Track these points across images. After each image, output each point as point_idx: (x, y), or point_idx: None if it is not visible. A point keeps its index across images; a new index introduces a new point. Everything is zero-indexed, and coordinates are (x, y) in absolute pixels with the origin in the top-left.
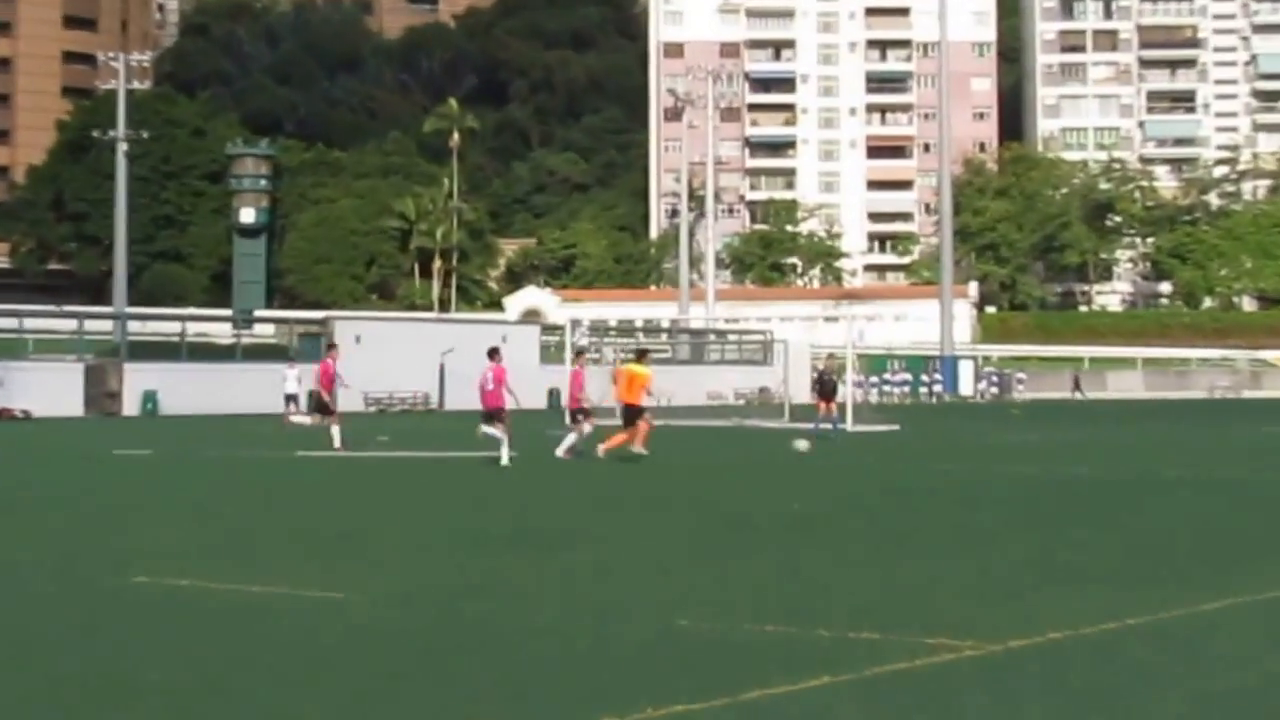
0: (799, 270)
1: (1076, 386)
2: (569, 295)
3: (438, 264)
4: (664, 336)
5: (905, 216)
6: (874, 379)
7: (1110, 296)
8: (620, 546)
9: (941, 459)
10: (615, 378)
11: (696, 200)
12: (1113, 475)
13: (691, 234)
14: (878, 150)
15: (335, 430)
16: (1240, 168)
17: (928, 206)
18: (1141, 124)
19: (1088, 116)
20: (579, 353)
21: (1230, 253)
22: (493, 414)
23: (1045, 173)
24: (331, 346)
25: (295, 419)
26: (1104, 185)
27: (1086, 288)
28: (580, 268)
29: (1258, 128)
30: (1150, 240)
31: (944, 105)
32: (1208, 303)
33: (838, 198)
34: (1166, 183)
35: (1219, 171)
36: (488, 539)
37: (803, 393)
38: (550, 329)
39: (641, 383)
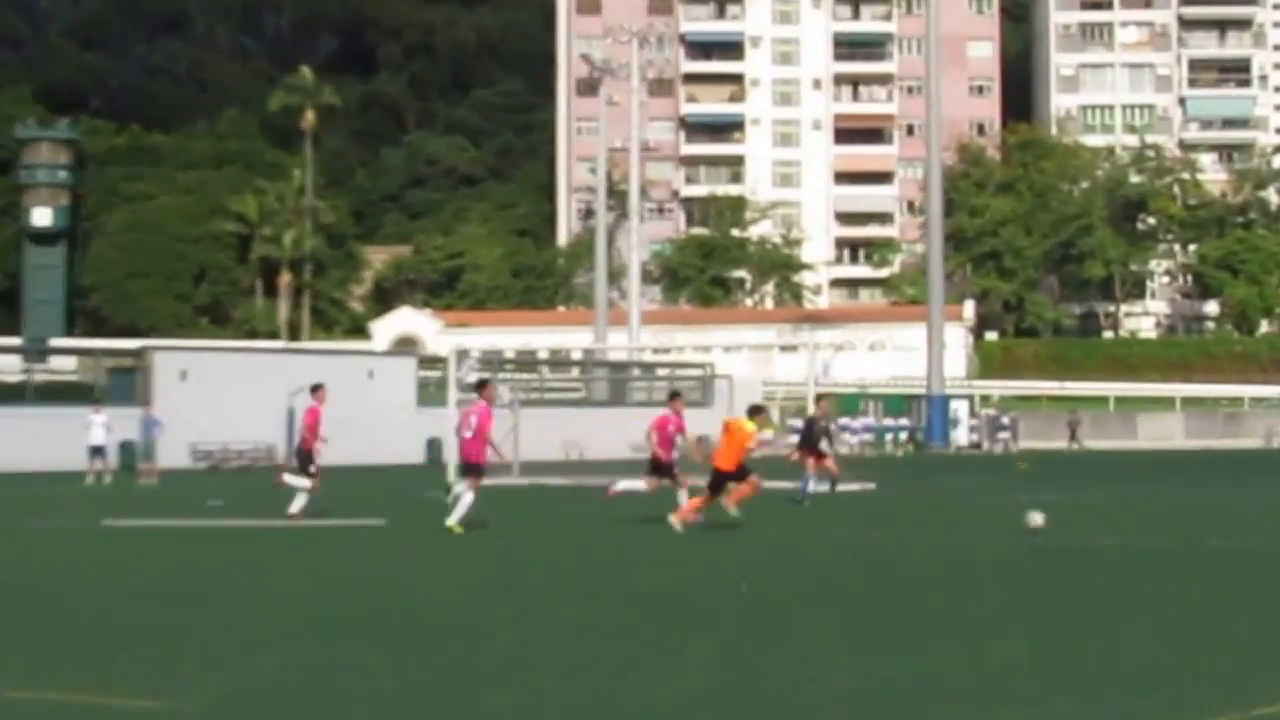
0: (748, 286)
1: (1074, 435)
2: (454, 318)
3: (286, 279)
4: (575, 371)
5: (883, 218)
6: (847, 423)
7: (1143, 319)
8: (511, 642)
9: (930, 526)
10: (725, 430)
11: (618, 197)
12: (1147, 545)
13: (611, 240)
14: (849, 134)
15: (303, 497)
16: None
17: (912, 205)
18: (1182, 101)
19: (1115, 91)
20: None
21: None
22: (471, 469)
23: (1061, 162)
24: (318, 388)
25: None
26: (1135, 178)
27: (1112, 308)
28: (468, 283)
29: None
30: (1193, 248)
31: (933, 76)
32: (1265, 327)
33: (797, 194)
34: (1214, 175)
35: None
36: (337, 631)
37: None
38: (430, 361)
39: (740, 442)
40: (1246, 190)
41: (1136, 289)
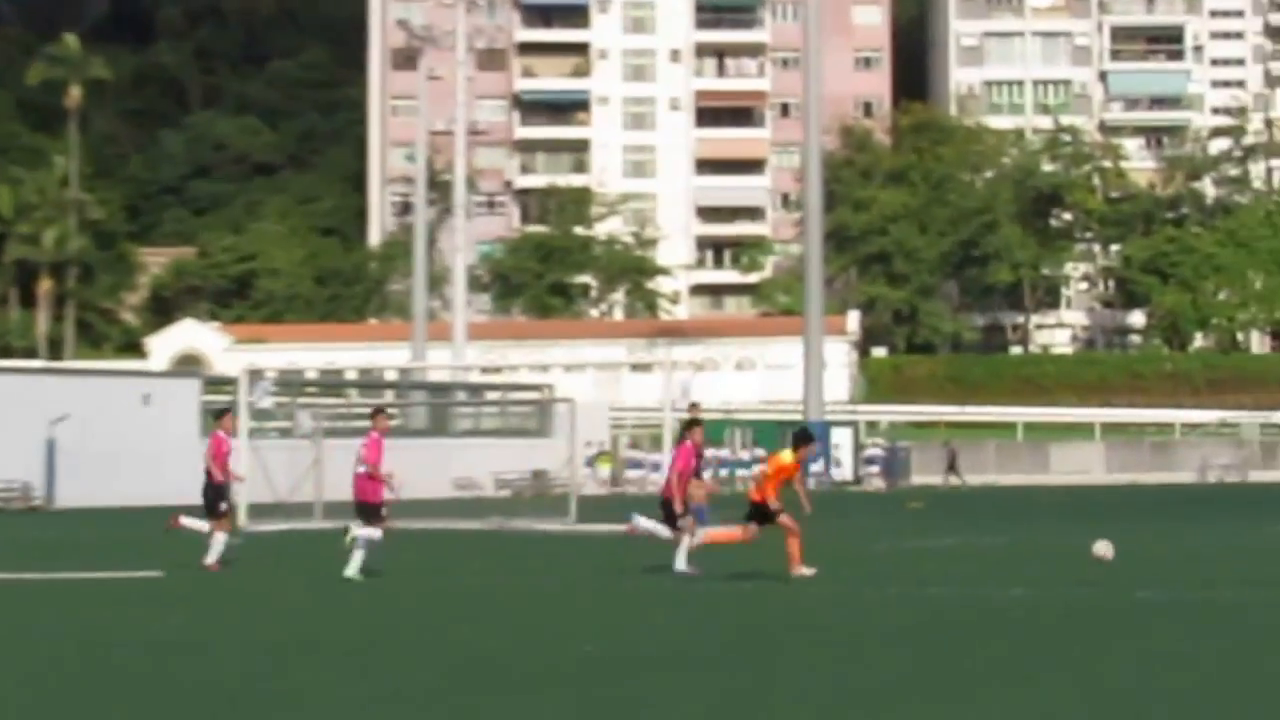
0: (594, 294)
1: (952, 467)
2: (245, 332)
3: (46, 285)
4: (389, 395)
5: (753, 213)
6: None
7: (1057, 332)
8: (307, 716)
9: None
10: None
11: (440, 189)
12: (1061, 599)
13: (432, 240)
14: (713, 114)
15: (220, 538)
16: (1247, 141)
17: (787, 198)
18: (1104, 76)
19: (1025, 64)
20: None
21: (1233, 267)
22: (370, 510)
23: (961, 148)
24: (224, 413)
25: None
26: (1048, 167)
27: (1021, 319)
28: (263, 291)
29: (1274, 80)
30: (1116, 249)
31: (812, 47)
32: (1199, 341)
33: (652, 185)
34: (1140, 163)
35: (1217, 147)
36: (94, 701)
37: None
38: (217, 383)
39: (783, 473)
40: (1178, 181)
41: (1049, 297)
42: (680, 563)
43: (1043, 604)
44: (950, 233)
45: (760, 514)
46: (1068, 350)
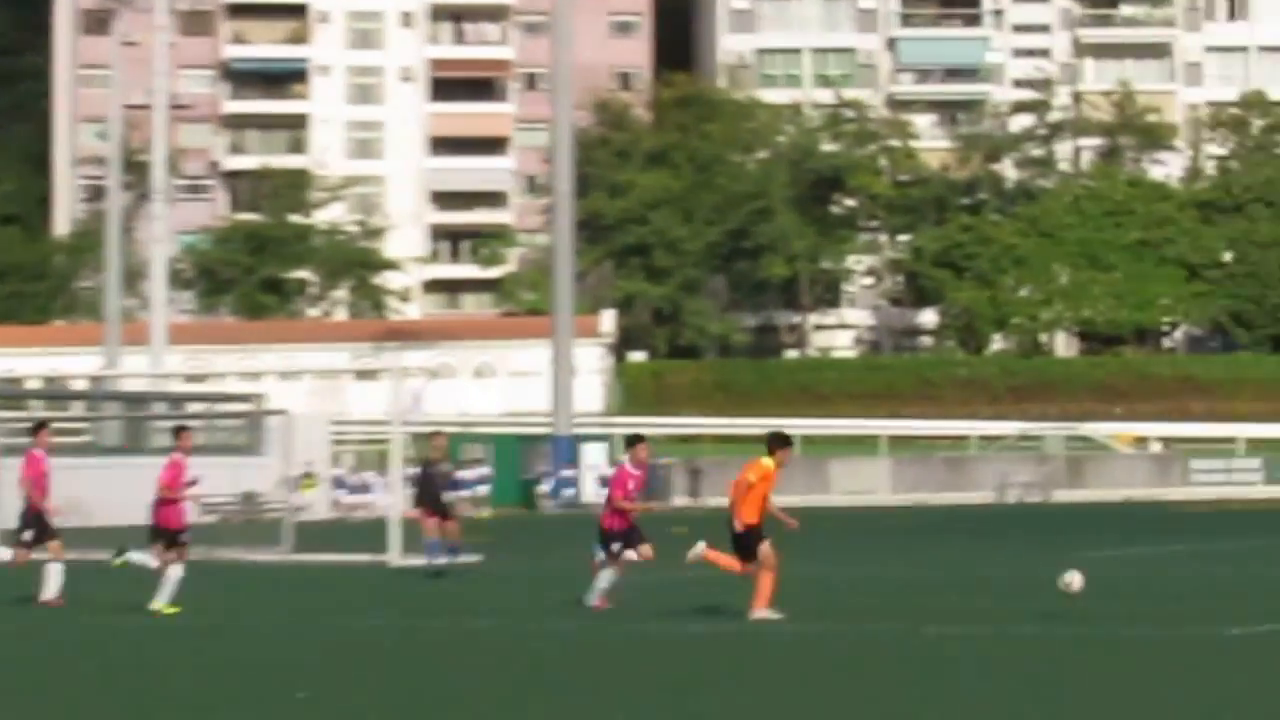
0: (314, 292)
1: (694, 486)
2: None
3: None
4: (78, 407)
5: (495, 199)
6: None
7: (838, 334)
8: None
9: (551, 610)
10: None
11: (137, 171)
12: (844, 632)
13: (127, 230)
14: (449, 86)
15: (56, 572)
16: (1052, 117)
17: (533, 182)
18: (892, 43)
19: (803, 31)
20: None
21: (1035, 259)
22: (166, 535)
23: (731, 125)
24: (40, 427)
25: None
26: (829, 146)
27: (798, 319)
28: None
29: (1083, 50)
30: (905, 239)
31: (562, 11)
32: (997, 343)
33: (380, 167)
34: (933, 142)
35: (1018, 124)
36: None
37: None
38: None
39: (768, 485)
40: (975, 162)
41: (829, 294)
42: (594, 594)
43: (825, 638)
44: (718, 221)
45: (749, 543)
46: (850, 354)
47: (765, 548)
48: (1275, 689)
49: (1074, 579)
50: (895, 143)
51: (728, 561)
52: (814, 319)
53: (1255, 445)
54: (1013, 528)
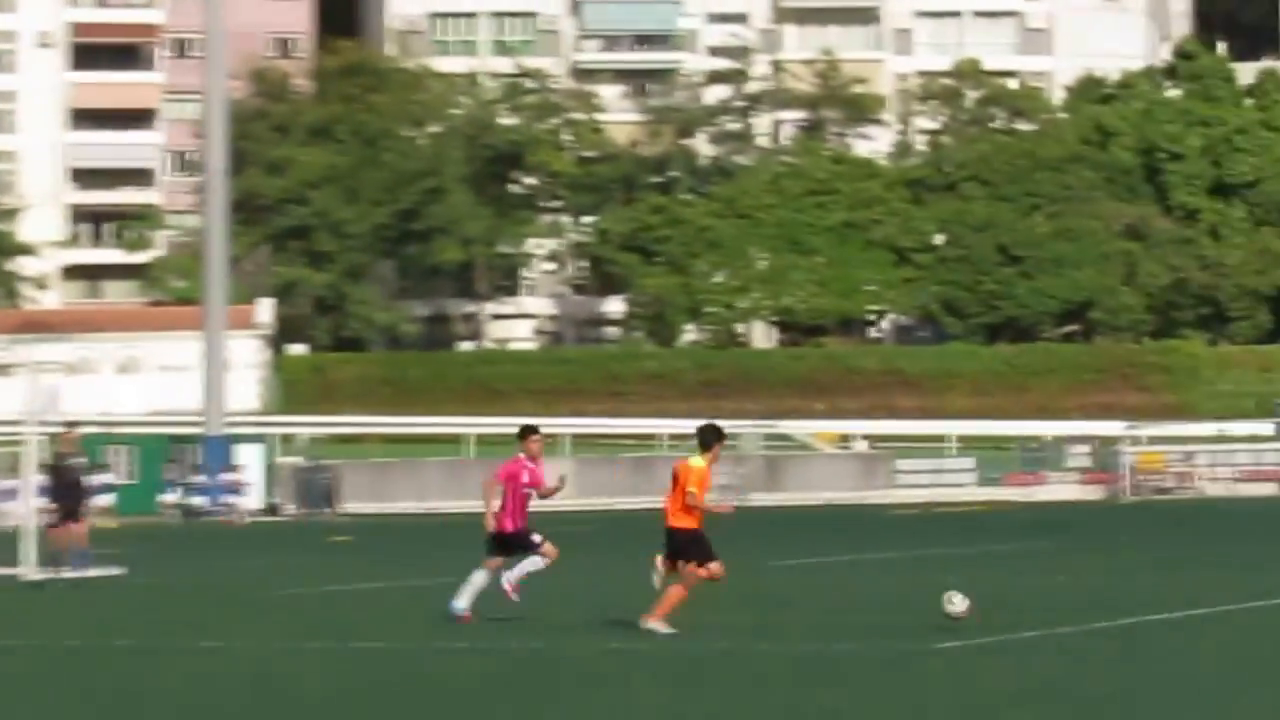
0: None
1: (329, 495)
2: None
3: None
4: None
5: (141, 177)
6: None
7: (517, 324)
8: None
9: (206, 627)
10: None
11: None
12: (511, 648)
13: None
14: (91, 52)
15: None
16: (750, 89)
17: (183, 158)
18: (577, 7)
19: None
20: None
21: (731, 243)
22: None
23: (400, 97)
24: None
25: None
26: (507, 120)
27: (474, 308)
28: None
29: (784, 15)
30: (590, 221)
31: None
32: (691, 334)
33: (13, 141)
34: (621, 115)
35: (714, 95)
36: None
37: None
38: None
39: (705, 485)
40: (667, 137)
41: (508, 281)
42: (463, 600)
43: (494, 655)
44: (386, 202)
45: (686, 547)
46: (530, 346)
47: (691, 567)
48: (972, 709)
49: (957, 600)
50: (580, 116)
51: (672, 602)
52: (491, 308)
53: (968, 444)
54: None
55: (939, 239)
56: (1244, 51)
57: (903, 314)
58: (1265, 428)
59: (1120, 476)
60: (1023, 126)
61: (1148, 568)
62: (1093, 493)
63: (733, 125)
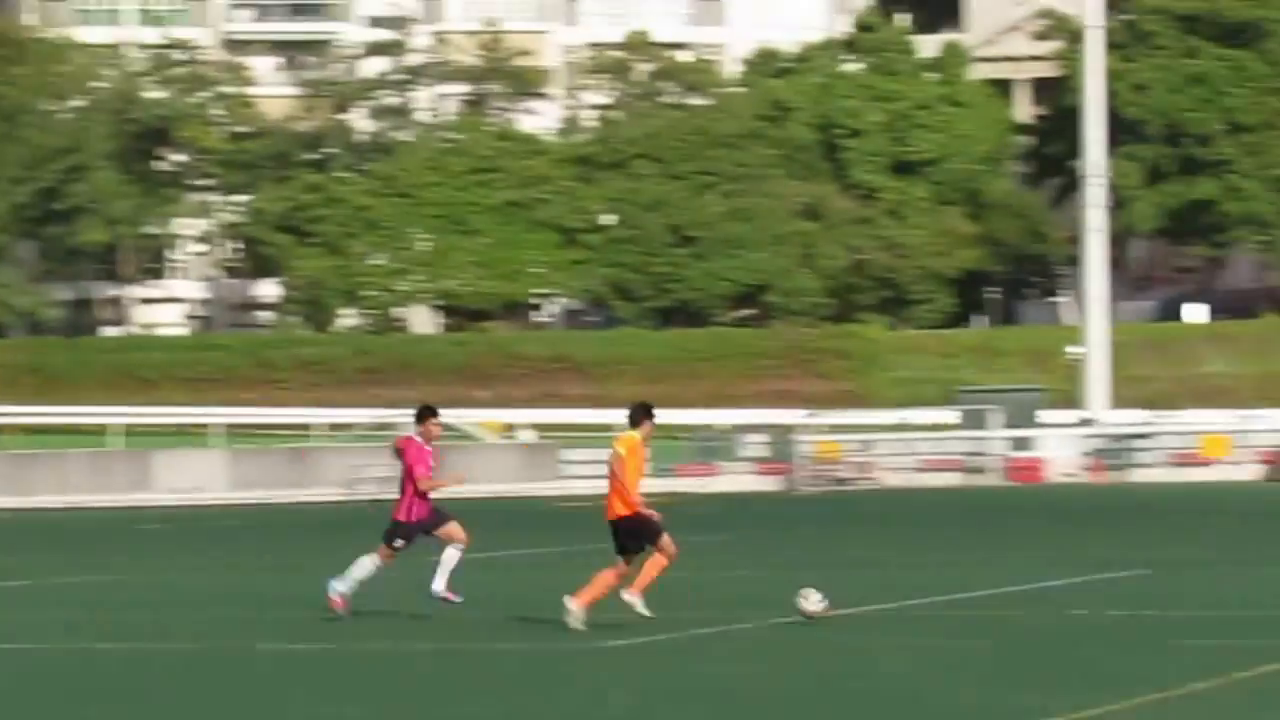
0: None
1: None
2: None
3: None
4: None
5: None
6: None
7: (165, 309)
8: None
9: None
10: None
11: None
12: (166, 651)
13: None
14: None
15: None
16: (411, 61)
17: None
18: None
19: None
20: None
21: (391, 223)
22: None
23: (40, 69)
24: None
25: None
26: (154, 94)
27: (119, 291)
28: None
29: None
30: (242, 200)
31: None
32: (349, 319)
33: None
34: (275, 89)
35: (373, 68)
36: None
37: None
38: None
39: (640, 463)
40: (322, 112)
41: (155, 263)
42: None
43: (153, 660)
44: (26, 180)
45: (633, 534)
46: (179, 332)
47: (666, 540)
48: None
49: (813, 598)
50: (231, 89)
51: (600, 588)
52: (138, 292)
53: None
54: (362, 528)
55: (608, 219)
56: (925, 24)
57: (571, 297)
58: (948, 415)
59: (797, 467)
60: (696, 102)
61: (818, 565)
62: (769, 484)
63: (392, 99)
